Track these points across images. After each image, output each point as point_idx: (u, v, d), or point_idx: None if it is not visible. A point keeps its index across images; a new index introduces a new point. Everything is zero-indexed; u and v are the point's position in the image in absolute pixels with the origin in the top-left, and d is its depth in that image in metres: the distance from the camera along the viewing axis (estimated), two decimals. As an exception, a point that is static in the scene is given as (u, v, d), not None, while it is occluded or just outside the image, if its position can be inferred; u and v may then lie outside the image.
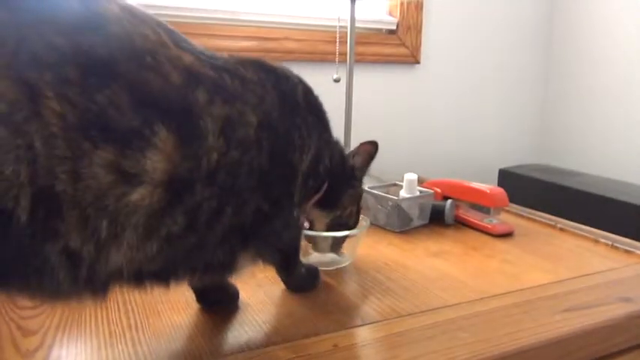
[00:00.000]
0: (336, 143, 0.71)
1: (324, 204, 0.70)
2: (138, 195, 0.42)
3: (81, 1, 0.42)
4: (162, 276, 0.50)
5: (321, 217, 0.73)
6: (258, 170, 0.52)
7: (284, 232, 0.61)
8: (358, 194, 0.75)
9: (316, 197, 0.68)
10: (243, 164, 0.51)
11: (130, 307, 0.63)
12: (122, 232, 0.43)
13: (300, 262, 0.69)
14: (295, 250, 0.66)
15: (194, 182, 0.46)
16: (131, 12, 0.45)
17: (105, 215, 0.41)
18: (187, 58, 0.48)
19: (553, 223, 1.01)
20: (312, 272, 0.71)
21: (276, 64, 0.62)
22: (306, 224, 0.73)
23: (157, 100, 0.44)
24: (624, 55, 1.50)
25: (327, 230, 0.74)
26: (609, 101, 1.55)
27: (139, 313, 0.62)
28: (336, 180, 0.69)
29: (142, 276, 0.48)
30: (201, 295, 0.64)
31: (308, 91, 0.64)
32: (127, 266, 0.45)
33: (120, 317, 0.61)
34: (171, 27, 0.49)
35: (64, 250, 0.41)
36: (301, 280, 0.69)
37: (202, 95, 0.47)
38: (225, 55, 0.55)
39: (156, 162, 0.43)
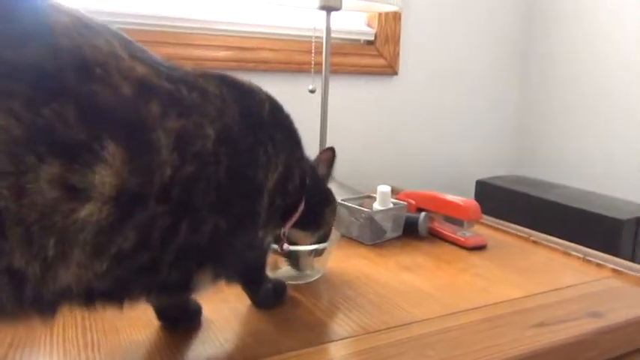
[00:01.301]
0: (309, 161, 0.70)
1: (306, 224, 0.70)
2: (86, 211, 0.40)
3: (28, 13, 0.41)
4: (115, 295, 0.48)
5: (306, 238, 0.72)
6: (216, 186, 0.51)
7: (247, 253, 0.59)
8: (335, 206, 0.76)
9: (294, 218, 0.67)
10: (199, 179, 0.49)
11: (87, 324, 0.61)
12: (70, 251, 0.41)
13: (267, 277, 0.67)
14: (260, 269, 0.65)
15: (146, 197, 0.44)
16: (82, 22, 0.43)
17: (52, 233, 0.39)
18: (141, 69, 0.46)
19: (526, 235, 1.00)
20: (279, 287, 0.69)
21: (245, 80, 0.60)
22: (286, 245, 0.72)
23: (106, 113, 0.42)
24: (600, 68, 1.51)
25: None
26: (585, 114, 1.56)
27: (96, 330, 0.60)
28: (314, 199, 0.69)
29: (93, 295, 0.46)
30: (162, 313, 0.62)
31: (276, 109, 0.62)
32: (76, 285, 0.43)
33: (76, 335, 0.59)
34: (128, 37, 0.48)
35: (6, 269, 0.39)
36: (267, 296, 0.67)
37: (155, 108, 0.45)
38: (187, 68, 0.53)
39: (105, 177, 0.41)
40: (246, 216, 0.56)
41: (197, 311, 0.64)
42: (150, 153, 0.44)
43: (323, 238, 0.74)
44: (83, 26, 0.43)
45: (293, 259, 0.75)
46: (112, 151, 0.41)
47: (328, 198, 0.75)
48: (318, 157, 0.75)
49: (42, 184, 0.38)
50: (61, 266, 0.41)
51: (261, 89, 0.61)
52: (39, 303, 0.42)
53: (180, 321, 0.62)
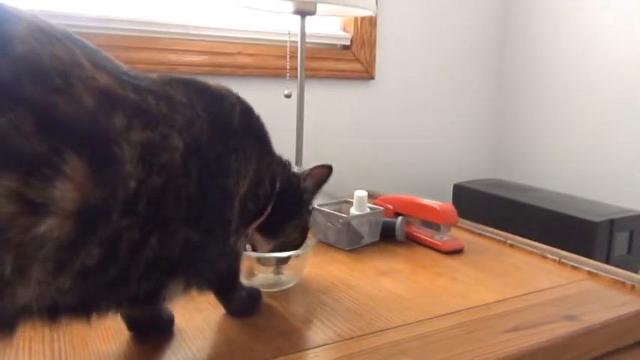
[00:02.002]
0: (283, 166, 0.69)
1: (265, 230, 0.68)
2: (46, 227, 0.39)
3: None
4: (81, 310, 0.47)
5: (264, 243, 0.70)
6: (187, 198, 0.49)
7: (219, 261, 0.58)
8: (304, 223, 0.73)
9: (258, 222, 0.65)
10: (167, 192, 0.47)
11: (55, 336, 0.59)
12: (29, 267, 0.39)
13: (241, 285, 0.66)
14: (233, 277, 0.64)
15: (109, 212, 0.43)
16: (42, 30, 0.42)
17: (8, 249, 0.37)
18: (104, 79, 0.44)
19: (503, 239, 1.01)
20: (254, 295, 0.68)
21: (212, 82, 0.59)
22: (249, 247, 0.71)
23: (67, 125, 0.40)
24: (576, 73, 1.53)
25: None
26: (560, 118, 1.58)
27: (64, 342, 0.58)
28: (281, 206, 0.66)
29: (58, 311, 0.44)
30: (133, 323, 0.60)
31: (247, 112, 0.61)
32: (37, 302, 0.41)
33: (43, 347, 0.57)
34: (91, 44, 0.46)
35: None
36: (242, 304, 0.66)
37: (119, 120, 0.44)
38: (154, 75, 0.52)
39: (65, 191, 0.39)
40: (217, 226, 0.55)
41: (169, 321, 0.62)
42: (113, 166, 0.43)
43: (281, 248, 0.71)
44: (42, 34, 0.41)
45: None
46: (73, 164, 0.40)
47: (296, 210, 0.71)
48: (310, 170, 0.73)
49: None
50: (19, 284, 0.39)
51: (230, 92, 0.60)
52: None
53: (153, 331, 0.61)
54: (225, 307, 0.66)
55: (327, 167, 0.73)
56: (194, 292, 0.58)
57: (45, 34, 0.42)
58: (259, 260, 0.74)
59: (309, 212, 0.74)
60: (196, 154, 0.51)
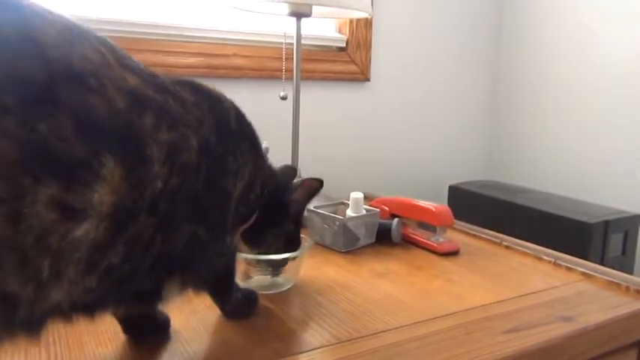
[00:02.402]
0: (271, 173, 0.68)
1: (248, 237, 0.68)
2: (82, 230, 0.39)
3: (14, 27, 0.38)
4: (93, 308, 0.47)
5: (247, 250, 0.70)
6: (194, 197, 0.50)
7: (217, 260, 0.58)
8: (286, 233, 0.72)
9: (244, 226, 0.66)
10: (182, 191, 0.48)
11: (51, 339, 0.59)
12: (65, 270, 0.39)
13: (237, 286, 0.66)
14: (229, 276, 0.64)
15: (138, 212, 0.43)
16: (70, 32, 0.41)
17: (47, 255, 0.38)
18: (132, 80, 0.44)
19: (499, 240, 1.01)
20: (250, 297, 0.68)
21: (209, 85, 0.59)
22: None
23: (103, 128, 0.40)
24: (572, 73, 1.54)
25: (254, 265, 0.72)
26: (556, 119, 1.58)
27: (60, 344, 0.58)
28: (264, 214, 0.66)
29: (76, 309, 0.45)
30: (129, 326, 0.60)
31: (241, 116, 0.61)
32: (65, 301, 0.42)
33: (39, 350, 0.57)
34: (114, 43, 0.46)
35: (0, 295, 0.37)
36: (238, 306, 0.66)
37: (149, 120, 0.44)
38: (159, 73, 0.52)
39: (103, 195, 0.39)
40: (218, 224, 0.55)
41: (165, 323, 0.62)
42: (145, 167, 0.43)
43: (262, 254, 0.71)
44: (71, 35, 0.41)
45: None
46: (110, 167, 0.40)
47: (278, 219, 0.70)
48: (302, 182, 0.73)
49: (39, 207, 0.36)
50: (54, 286, 0.39)
51: (225, 96, 0.60)
52: (30, 323, 0.41)
53: (149, 333, 0.61)
54: (222, 308, 0.66)
55: (318, 180, 0.73)
56: (190, 292, 0.58)
57: (73, 34, 0.42)
58: (254, 262, 0.74)
59: (296, 223, 0.73)
60: (206, 154, 0.51)
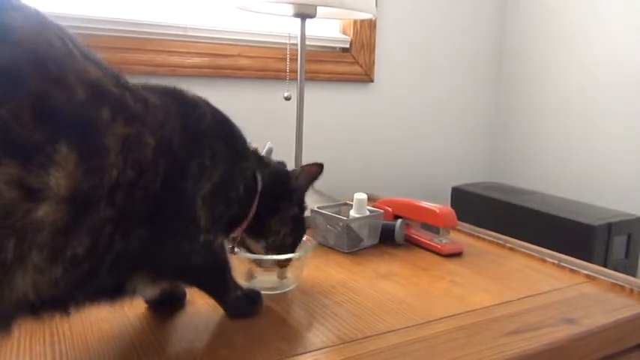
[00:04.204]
0: (265, 167, 0.71)
1: (253, 231, 0.70)
2: (43, 211, 0.41)
3: None
4: (63, 303, 0.49)
5: (256, 244, 0.72)
6: (152, 195, 0.51)
7: (193, 258, 0.59)
8: (290, 216, 0.73)
9: (244, 224, 0.68)
10: (138, 187, 0.49)
11: (56, 338, 0.59)
12: (28, 253, 0.41)
13: (237, 285, 0.67)
14: (219, 272, 0.64)
15: (98, 199, 0.45)
16: (37, 18, 0.44)
17: (10, 234, 0.40)
18: (94, 72, 0.46)
19: (502, 242, 1.01)
20: (253, 297, 0.68)
21: (190, 92, 0.61)
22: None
23: (61, 116, 0.42)
24: (574, 76, 1.53)
25: (267, 254, 0.73)
26: (559, 121, 1.58)
27: (65, 344, 0.58)
28: (265, 206, 0.69)
29: (45, 304, 0.46)
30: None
31: (219, 122, 0.64)
32: (31, 293, 0.43)
33: (44, 349, 0.57)
34: (75, 35, 0.47)
35: None
36: (239, 305, 0.67)
37: (106, 113, 0.46)
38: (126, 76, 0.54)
39: (59, 178, 0.41)
40: (183, 224, 0.57)
41: (181, 295, 0.69)
42: (101, 156, 0.45)
43: (272, 245, 0.72)
44: (37, 23, 0.43)
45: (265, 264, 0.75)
46: (64, 153, 0.42)
47: (281, 207, 0.72)
48: (301, 168, 0.75)
49: (0, 185, 0.38)
50: (18, 270, 0.41)
51: (205, 103, 0.62)
52: None
53: (167, 305, 0.67)
54: (223, 308, 0.67)
55: (317, 165, 0.75)
56: (167, 285, 0.63)
57: (39, 22, 0.44)
58: (257, 263, 0.74)
59: (300, 208, 0.75)
60: (166, 155, 0.53)
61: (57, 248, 0.43)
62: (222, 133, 0.63)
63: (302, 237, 0.77)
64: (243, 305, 0.67)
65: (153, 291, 0.60)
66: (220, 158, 0.61)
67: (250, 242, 0.72)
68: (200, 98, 0.62)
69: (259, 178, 0.69)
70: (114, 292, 0.55)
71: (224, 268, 0.65)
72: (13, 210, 0.39)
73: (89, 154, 0.44)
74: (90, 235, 0.45)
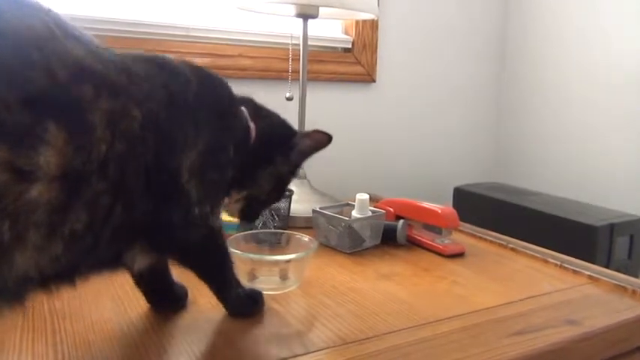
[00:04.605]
0: (264, 118, 0.70)
1: (236, 181, 0.67)
2: (36, 192, 0.42)
3: None
4: (68, 276, 0.50)
5: (236, 195, 0.70)
6: (145, 168, 0.52)
7: (187, 231, 0.59)
8: (277, 174, 0.72)
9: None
10: (130, 159, 0.50)
11: (58, 338, 0.59)
12: (25, 233, 0.42)
13: (240, 284, 0.67)
14: (214, 256, 0.64)
15: (89, 174, 0.46)
16: (18, 4, 0.45)
17: (5, 216, 0.41)
18: (76, 51, 0.47)
19: (504, 242, 1.01)
20: (254, 297, 0.68)
21: (175, 59, 0.61)
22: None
23: (45, 97, 0.43)
24: (578, 75, 1.53)
25: (241, 208, 0.71)
26: (562, 120, 1.58)
27: (68, 343, 0.58)
28: (255, 155, 0.68)
29: (50, 278, 0.48)
30: (151, 298, 0.67)
31: (206, 86, 0.62)
32: (35, 270, 0.44)
33: (47, 349, 0.57)
34: (60, 14, 0.48)
35: None
36: (240, 303, 0.66)
37: (89, 90, 0.46)
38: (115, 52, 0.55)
39: (49, 157, 0.42)
40: (167, 197, 0.56)
41: (183, 295, 0.69)
42: (88, 132, 0.46)
43: (251, 202, 0.71)
44: (18, 6, 0.44)
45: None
46: (53, 132, 0.43)
47: (276, 159, 0.71)
48: (311, 133, 0.73)
49: None
50: (17, 250, 0.42)
51: (190, 68, 0.61)
52: (5, 293, 0.44)
53: (167, 304, 0.67)
54: (224, 306, 0.66)
55: (326, 135, 0.73)
56: (162, 258, 0.63)
57: (21, 7, 0.45)
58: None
59: (292, 171, 0.73)
60: (154, 128, 0.53)
61: (54, 225, 0.44)
62: (208, 98, 0.62)
63: (276, 201, 0.75)
64: (244, 304, 0.67)
65: (149, 262, 0.60)
66: (205, 125, 0.60)
67: (232, 192, 0.69)
68: (185, 64, 0.62)
69: (252, 128, 0.68)
70: (113, 262, 0.56)
71: (223, 254, 0.65)
72: (5, 193, 0.40)
73: (77, 132, 0.45)
74: (86, 210, 0.46)
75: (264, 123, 0.70)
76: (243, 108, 0.68)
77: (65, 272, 0.49)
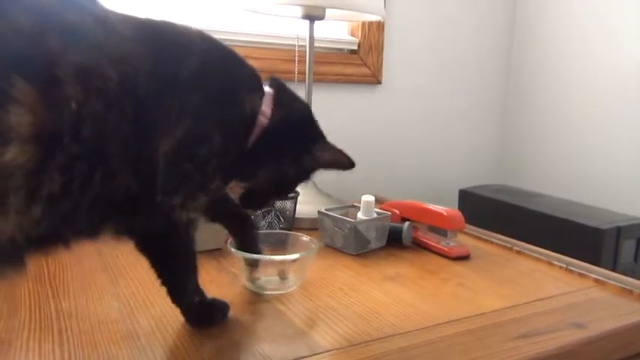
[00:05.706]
0: (282, 107, 0.63)
1: (240, 172, 0.62)
2: (11, 154, 0.41)
3: None
4: (53, 240, 0.49)
5: (236, 185, 0.64)
6: (124, 137, 0.48)
7: (152, 218, 0.56)
8: (280, 174, 0.64)
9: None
10: (107, 121, 0.47)
11: (65, 337, 0.60)
12: (6, 198, 0.41)
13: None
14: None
15: (62, 134, 0.44)
16: None
17: None
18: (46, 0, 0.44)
19: (510, 245, 1.00)
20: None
21: (186, 30, 0.57)
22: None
23: (8, 51, 0.41)
24: (584, 77, 1.53)
25: (241, 196, 0.64)
26: (567, 124, 1.57)
27: (74, 343, 0.59)
28: (264, 147, 0.61)
29: (34, 242, 0.46)
30: (190, 317, 0.64)
31: (212, 64, 0.56)
32: (18, 234, 0.43)
33: (53, 348, 0.57)
34: None
35: None
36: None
37: (55, 41, 0.44)
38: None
39: (20, 116, 0.41)
40: (139, 175, 0.51)
41: (224, 309, 0.66)
42: (56, 87, 0.43)
43: (250, 194, 0.64)
44: None
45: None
46: (22, 87, 0.41)
47: (283, 157, 0.63)
48: (333, 148, 0.69)
49: None
50: (1, 214, 0.41)
51: (199, 40, 0.57)
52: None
53: (206, 319, 0.64)
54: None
55: (350, 160, 0.69)
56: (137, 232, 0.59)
57: None
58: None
59: (299, 172, 0.66)
60: (132, 94, 0.49)
61: (32, 188, 0.43)
62: (206, 79, 0.55)
63: (278, 197, 0.73)
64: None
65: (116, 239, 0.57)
66: (191, 110, 0.53)
67: (233, 182, 0.63)
68: (193, 34, 0.56)
69: (261, 120, 0.60)
70: (95, 231, 0.53)
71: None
72: None
73: (46, 86, 0.42)
74: (61, 172, 0.44)
75: (280, 115, 0.62)
76: (266, 90, 0.62)
77: (52, 236, 0.48)
